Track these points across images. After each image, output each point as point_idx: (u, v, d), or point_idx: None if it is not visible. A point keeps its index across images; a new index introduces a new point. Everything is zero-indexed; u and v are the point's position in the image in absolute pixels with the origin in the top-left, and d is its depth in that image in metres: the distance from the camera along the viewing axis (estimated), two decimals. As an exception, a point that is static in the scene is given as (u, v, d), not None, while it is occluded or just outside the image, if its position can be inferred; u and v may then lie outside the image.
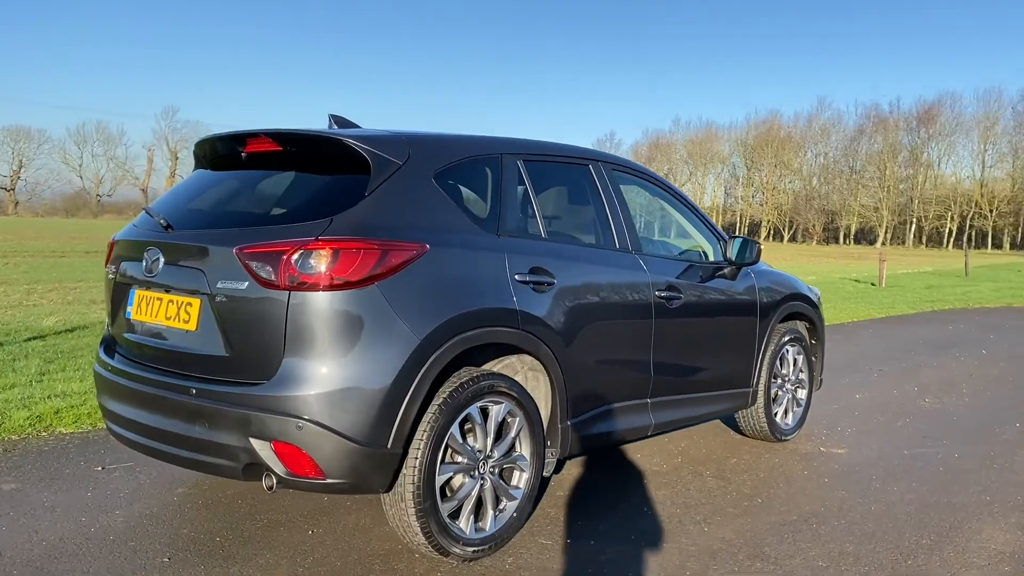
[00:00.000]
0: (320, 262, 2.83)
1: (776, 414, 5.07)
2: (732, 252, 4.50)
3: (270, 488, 2.94)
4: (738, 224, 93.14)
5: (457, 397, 3.08)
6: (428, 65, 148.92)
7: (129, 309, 3.39)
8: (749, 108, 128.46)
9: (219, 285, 2.97)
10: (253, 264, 2.90)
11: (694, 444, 5.06)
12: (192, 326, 3.07)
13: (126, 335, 3.41)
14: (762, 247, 4.62)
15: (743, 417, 5.01)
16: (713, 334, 4.49)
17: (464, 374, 3.16)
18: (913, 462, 4.76)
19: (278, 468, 2.88)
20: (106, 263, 3.64)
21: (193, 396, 3.01)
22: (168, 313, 3.18)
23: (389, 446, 2.91)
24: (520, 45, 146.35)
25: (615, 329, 3.82)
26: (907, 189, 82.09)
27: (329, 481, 2.87)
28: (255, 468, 2.94)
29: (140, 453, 3.39)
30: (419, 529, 3.03)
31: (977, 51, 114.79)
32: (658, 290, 4.02)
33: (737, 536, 3.56)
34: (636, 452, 4.82)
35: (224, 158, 3.66)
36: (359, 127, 3.81)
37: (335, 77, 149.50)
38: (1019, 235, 75.55)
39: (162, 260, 3.19)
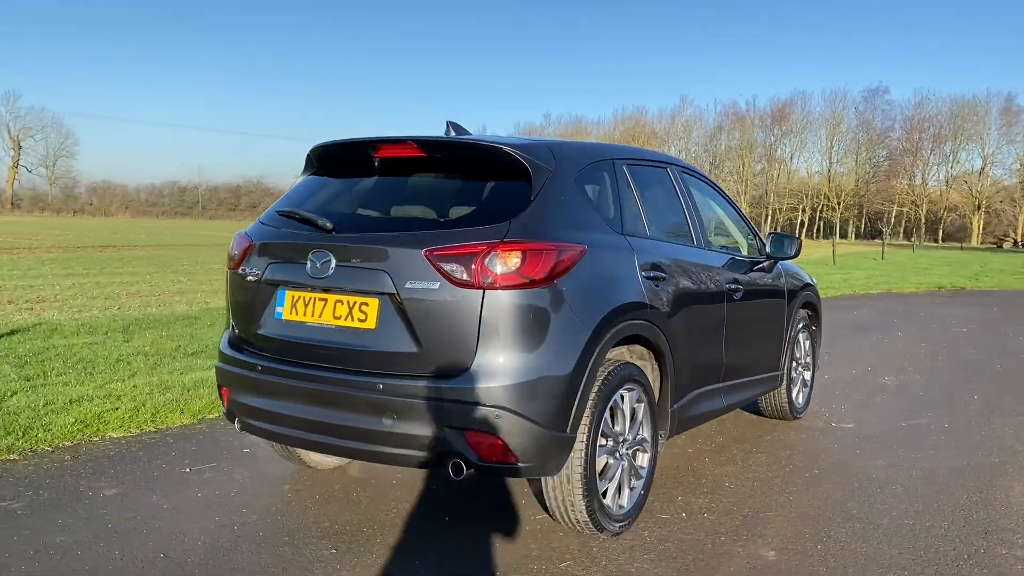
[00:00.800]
0: (510, 263, 3.03)
1: (794, 395, 5.59)
2: (770, 247, 4.96)
3: (458, 476, 3.10)
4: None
5: (609, 384, 3.34)
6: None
7: (279, 310, 3.45)
8: (617, 105, 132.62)
9: (407, 285, 3.10)
10: (445, 265, 3.05)
11: (723, 426, 5.50)
12: (371, 324, 3.19)
13: (274, 335, 3.47)
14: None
15: (765, 398, 5.50)
16: (761, 322, 4.94)
17: (610, 364, 3.43)
18: (916, 432, 5.38)
19: (471, 456, 3.05)
20: (236, 265, 3.66)
21: (380, 391, 3.12)
22: (337, 313, 3.27)
23: (568, 431, 3.15)
24: (395, 38, 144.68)
25: (705, 319, 4.18)
26: (763, 183, 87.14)
27: (520, 465, 3.07)
28: (443, 457, 3.10)
29: (295, 447, 3.47)
30: (584, 508, 3.28)
31: (826, 52, 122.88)
32: (727, 283, 4.42)
33: (821, 502, 4.00)
34: (677, 437, 5.20)
35: (355, 163, 3.75)
36: (470, 132, 3.99)
37: (188, 63, 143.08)
38: (863, 226, 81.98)
39: (333, 262, 3.27)
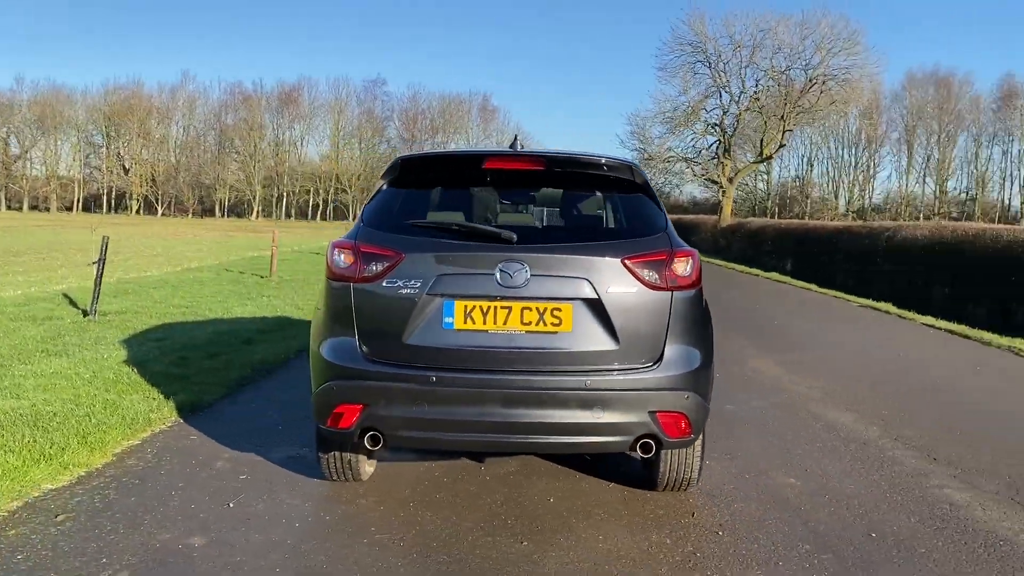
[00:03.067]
0: (687, 268, 3.76)
1: None
2: None
3: (647, 454, 3.72)
4: (104, 197, 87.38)
5: None
6: None
7: (448, 320, 3.61)
8: (107, 75, 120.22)
9: (609, 290, 3.60)
10: (641, 272, 3.64)
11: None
12: (567, 328, 3.61)
13: (446, 346, 3.62)
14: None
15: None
16: None
17: None
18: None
19: (662, 435, 3.69)
20: (375, 277, 3.65)
21: (588, 387, 3.58)
22: (525, 319, 3.61)
23: (710, 406, 3.98)
24: None
25: None
26: (276, 165, 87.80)
27: (692, 437, 3.80)
28: (638, 439, 3.68)
29: (469, 450, 3.65)
30: (697, 468, 4.16)
31: (328, 41, 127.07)
32: None
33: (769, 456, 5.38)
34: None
35: (465, 175, 3.97)
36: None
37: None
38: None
39: (528, 272, 3.57)
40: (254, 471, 4.52)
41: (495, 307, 3.63)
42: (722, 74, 44.19)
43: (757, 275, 23.50)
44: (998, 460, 5.09)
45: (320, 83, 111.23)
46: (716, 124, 44.66)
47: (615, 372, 3.66)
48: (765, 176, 72.13)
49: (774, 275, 23.25)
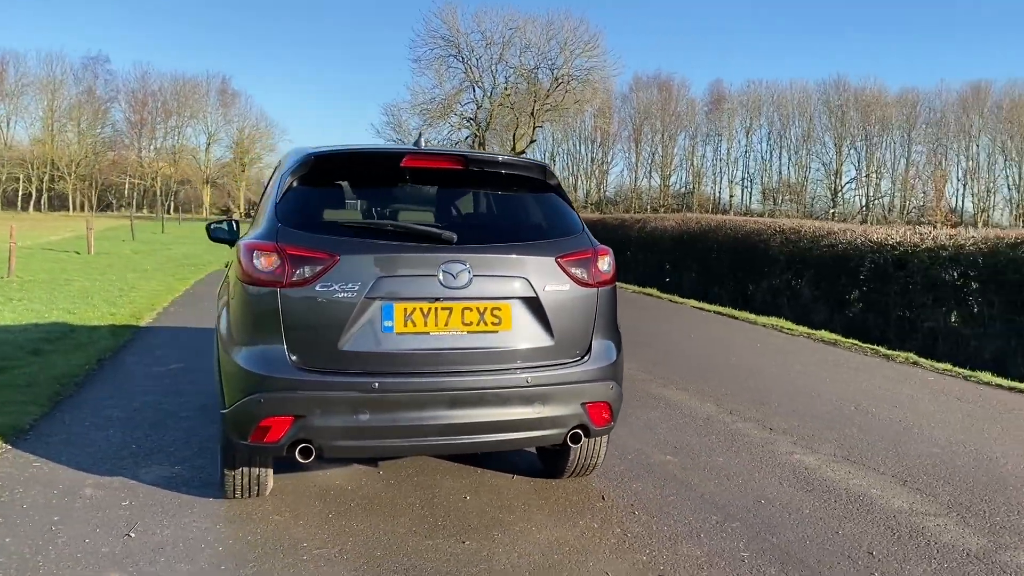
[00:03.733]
0: (606, 264, 3.94)
1: None
2: None
3: (575, 443, 3.85)
4: None
5: None
6: None
7: (387, 324, 3.50)
8: None
9: (546, 288, 3.69)
10: (572, 269, 3.77)
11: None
12: (507, 326, 3.65)
13: (388, 350, 3.52)
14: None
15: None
16: None
17: None
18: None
19: (591, 424, 3.84)
20: (304, 281, 3.45)
21: (529, 383, 3.64)
22: (466, 320, 3.60)
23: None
24: None
25: None
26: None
27: (613, 424, 3.99)
28: (571, 430, 3.79)
29: (420, 454, 3.58)
30: (603, 453, 4.39)
31: (38, 11, 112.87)
32: None
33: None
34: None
35: (376, 174, 3.90)
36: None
37: None
38: (95, 199, 79.58)
39: (469, 272, 3.55)
40: (134, 496, 4.08)
41: (436, 308, 3.58)
42: (475, 69, 45.48)
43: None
44: (818, 428, 5.84)
45: (29, 57, 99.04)
46: (471, 118, 45.84)
47: (552, 367, 3.76)
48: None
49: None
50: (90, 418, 5.47)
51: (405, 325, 3.55)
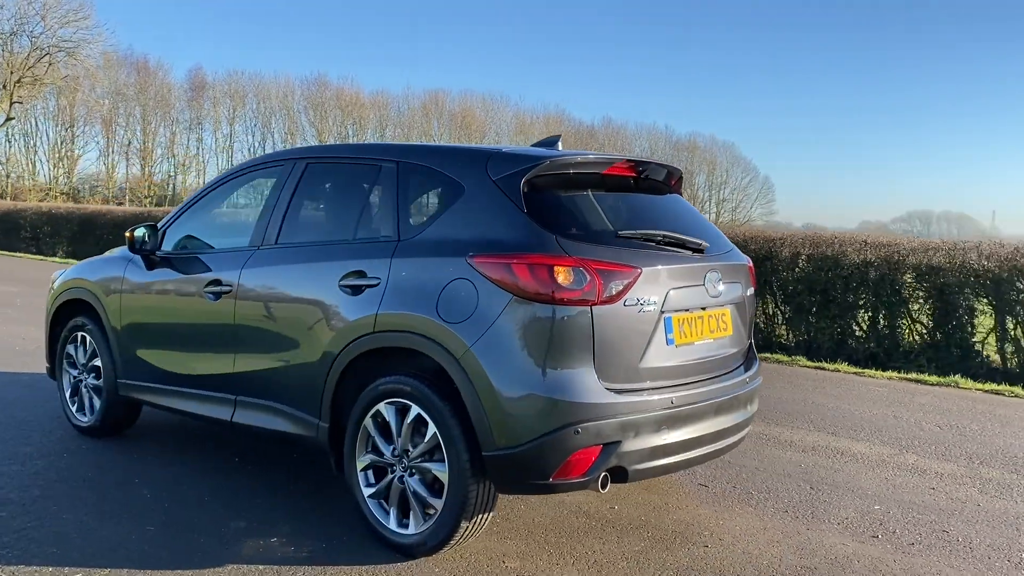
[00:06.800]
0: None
1: None
2: None
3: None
4: None
5: None
6: None
7: (670, 336, 3.62)
8: None
9: (748, 293, 4.10)
10: (751, 274, 4.24)
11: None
12: (730, 331, 3.99)
13: (673, 364, 3.64)
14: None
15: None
16: None
17: None
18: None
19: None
20: (614, 298, 3.41)
21: (748, 384, 4.03)
22: (711, 327, 3.87)
23: None
24: None
25: None
26: None
27: None
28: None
29: (689, 468, 3.70)
30: None
31: None
32: None
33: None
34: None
35: (586, 181, 3.86)
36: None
37: None
38: None
39: (721, 281, 3.81)
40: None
41: (702, 317, 3.77)
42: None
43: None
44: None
45: None
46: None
47: (747, 368, 4.18)
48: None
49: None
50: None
51: (681, 336, 3.66)
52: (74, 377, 5.56)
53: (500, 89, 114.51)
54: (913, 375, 8.68)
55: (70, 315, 5.58)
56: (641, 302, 3.48)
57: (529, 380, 3.32)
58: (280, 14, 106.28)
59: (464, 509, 3.49)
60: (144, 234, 4.88)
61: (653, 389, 3.54)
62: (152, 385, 4.94)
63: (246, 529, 3.93)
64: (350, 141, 78.98)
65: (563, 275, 3.32)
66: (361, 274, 3.83)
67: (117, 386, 5.16)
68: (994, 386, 8.16)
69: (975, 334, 9.28)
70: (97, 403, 5.33)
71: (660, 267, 3.60)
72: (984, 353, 9.24)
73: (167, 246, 4.99)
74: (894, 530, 4.19)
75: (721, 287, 3.88)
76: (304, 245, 4.28)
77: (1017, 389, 8.03)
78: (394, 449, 3.71)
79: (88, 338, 5.38)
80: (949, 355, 9.14)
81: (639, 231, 3.69)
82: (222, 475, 4.70)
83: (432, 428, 3.55)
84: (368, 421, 3.79)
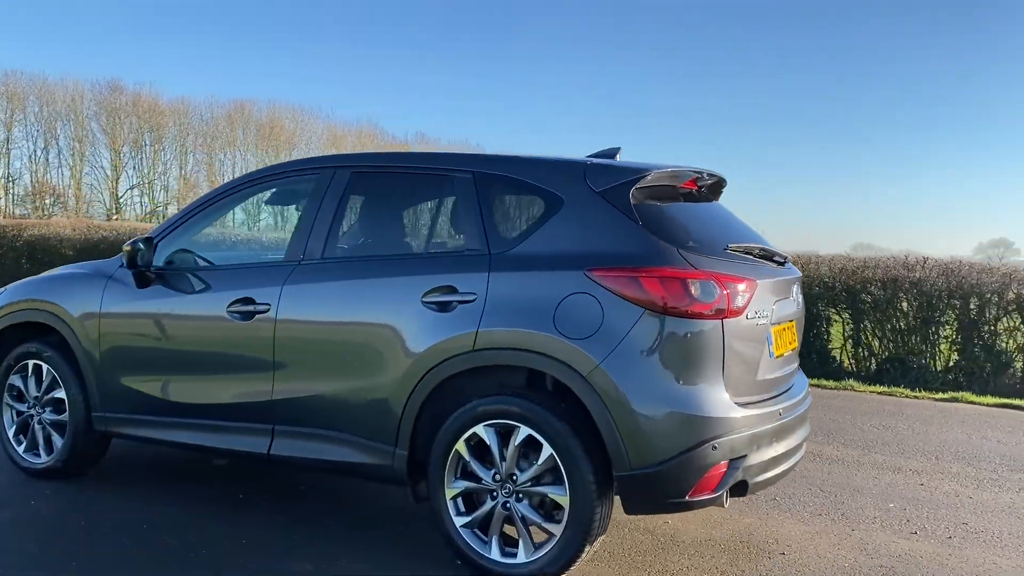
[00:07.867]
0: None
1: None
2: None
3: None
4: None
5: None
6: None
7: (771, 348, 3.72)
8: None
9: (801, 304, 4.25)
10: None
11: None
12: (796, 344, 4.12)
13: (774, 376, 3.74)
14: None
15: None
16: None
17: None
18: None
19: None
20: (740, 311, 3.43)
21: (808, 398, 4.16)
22: (788, 339, 3.98)
23: None
24: None
25: None
26: None
27: None
28: None
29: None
30: None
31: None
32: None
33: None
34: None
35: (673, 193, 3.86)
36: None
37: None
38: None
39: (798, 293, 3.92)
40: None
41: (786, 329, 3.87)
42: None
43: None
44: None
45: None
46: None
47: (801, 381, 4.29)
48: None
49: None
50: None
51: (776, 348, 3.75)
52: (20, 413, 4.78)
53: (311, 101, 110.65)
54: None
55: (15, 342, 4.80)
56: (758, 315, 3.54)
57: (666, 396, 3.27)
58: (70, 10, 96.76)
59: (588, 532, 3.36)
60: (142, 248, 4.28)
61: (765, 401, 3.59)
62: (144, 418, 4.36)
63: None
64: (146, 149, 73.97)
65: (696, 288, 3.30)
66: (451, 289, 3.59)
67: (91, 420, 4.49)
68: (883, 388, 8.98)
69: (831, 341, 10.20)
70: (59, 441, 4.61)
71: (767, 280, 3.69)
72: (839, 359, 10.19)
73: (158, 262, 4.42)
74: (923, 526, 4.49)
75: (800, 299, 4.01)
76: (362, 259, 3.97)
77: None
78: (495, 474, 3.51)
79: (45, 367, 4.65)
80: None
81: (741, 243, 3.73)
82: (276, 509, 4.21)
83: (548, 450, 3.39)
84: (461, 445, 3.55)
